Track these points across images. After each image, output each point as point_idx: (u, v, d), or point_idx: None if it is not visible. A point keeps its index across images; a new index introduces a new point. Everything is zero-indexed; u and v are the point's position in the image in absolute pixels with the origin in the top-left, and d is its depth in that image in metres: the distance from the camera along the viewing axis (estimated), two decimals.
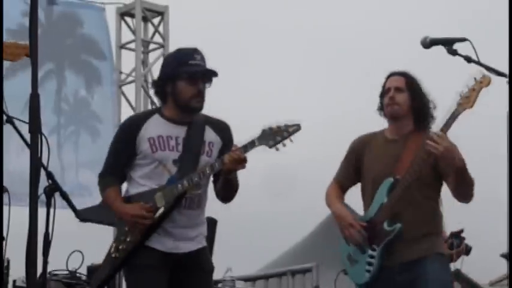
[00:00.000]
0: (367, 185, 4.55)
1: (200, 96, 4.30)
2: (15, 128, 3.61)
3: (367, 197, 4.54)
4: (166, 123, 4.33)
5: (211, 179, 4.36)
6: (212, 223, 6.51)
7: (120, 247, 4.25)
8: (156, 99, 9.18)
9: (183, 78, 4.27)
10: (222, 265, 6.59)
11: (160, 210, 4.20)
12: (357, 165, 4.60)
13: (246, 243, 14.43)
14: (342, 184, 4.65)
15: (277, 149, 4.13)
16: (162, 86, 4.36)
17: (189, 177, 4.19)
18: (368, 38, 18.01)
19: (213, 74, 4.32)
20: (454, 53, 4.09)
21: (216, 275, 6.64)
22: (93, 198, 6.03)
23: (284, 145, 4.12)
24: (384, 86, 4.58)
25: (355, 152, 4.62)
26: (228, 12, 18.12)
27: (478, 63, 4.01)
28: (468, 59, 4.05)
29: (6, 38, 10.25)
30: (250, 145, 4.13)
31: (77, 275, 5.93)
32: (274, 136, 4.11)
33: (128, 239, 4.23)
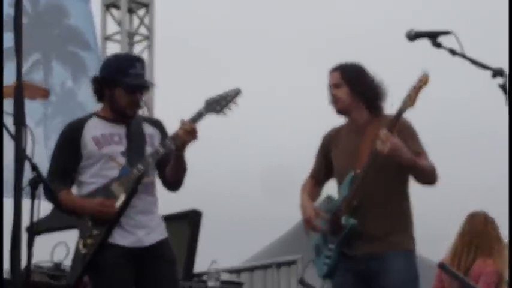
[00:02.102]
0: (336, 178, 4.59)
1: (136, 105, 4.42)
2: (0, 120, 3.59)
3: (338, 190, 4.58)
4: (106, 123, 4.43)
5: (156, 172, 4.45)
6: (197, 215, 6.52)
7: (88, 242, 4.27)
8: None
9: (122, 86, 4.36)
10: (207, 257, 6.59)
11: (122, 197, 4.25)
12: (327, 160, 4.63)
13: (231, 236, 14.45)
14: (316, 178, 4.70)
15: (224, 114, 4.30)
16: (100, 87, 4.45)
17: (143, 160, 4.29)
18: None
19: (152, 85, 4.51)
20: (438, 45, 4.10)
21: (201, 267, 6.66)
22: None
23: (230, 109, 4.31)
24: (327, 83, 4.63)
25: (324, 147, 4.67)
26: (214, 3, 18.09)
27: (463, 56, 4.02)
28: (453, 52, 4.06)
29: None
30: (199, 115, 4.28)
31: (62, 267, 5.91)
32: (219, 103, 4.30)
33: (94, 233, 4.26)
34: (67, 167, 4.40)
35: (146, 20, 10.59)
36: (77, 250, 4.31)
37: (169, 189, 4.50)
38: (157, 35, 10.49)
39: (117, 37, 10.60)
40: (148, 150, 4.38)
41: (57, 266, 5.84)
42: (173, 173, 4.38)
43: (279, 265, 9.00)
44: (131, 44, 10.65)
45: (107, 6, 10.56)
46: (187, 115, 4.30)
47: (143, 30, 10.61)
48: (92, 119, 4.45)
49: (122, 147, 4.37)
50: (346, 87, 4.53)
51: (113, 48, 10.64)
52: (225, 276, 6.60)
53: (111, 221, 4.25)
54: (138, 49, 10.68)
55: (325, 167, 4.64)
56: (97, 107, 10.98)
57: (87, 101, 10.72)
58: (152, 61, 10.67)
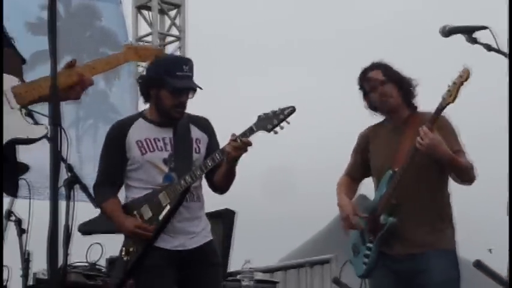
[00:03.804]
0: (373, 177, 4.56)
1: (181, 107, 4.38)
2: (36, 121, 3.62)
3: (375, 189, 4.55)
4: (151, 126, 4.40)
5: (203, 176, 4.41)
6: (231, 214, 6.52)
7: (131, 249, 4.29)
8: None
9: (168, 88, 4.33)
10: (240, 257, 6.60)
11: (167, 208, 4.24)
12: (364, 158, 4.60)
13: (265, 235, 14.45)
14: (351, 176, 4.66)
15: (275, 132, 4.22)
16: (146, 88, 4.42)
17: (191, 172, 4.26)
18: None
19: (199, 88, 4.40)
20: (474, 41, 4.05)
21: (235, 267, 6.67)
22: None
23: (282, 128, 4.21)
24: (362, 86, 4.57)
25: (361, 145, 4.63)
26: (245, 3, 18.10)
27: (499, 51, 3.97)
28: (488, 48, 4.01)
29: (25, 31, 10.28)
30: (249, 131, 4.22)
31: (97, 267, 5.95)
32: (271, 120, 4.20)
33: (138, 240, 4.27)
34: (114, 168, 4.38)
35: (177, 21, 10.62)
36: (120, 255, 4.34)
37: (215, 192, 4.47)
38: (189, 35, 10.53)
39: (149, 38, 10.65)
40: (195, 156, 4.35)
41: (93, 266, 5.88)
42: (222, 180, 4.36)
43: (312, 264, 8.99)
44: (163, 45, 10.69)
45: (139, 8, 10.61)
46: (239, 130, 4.24)
47: (174, 31, 10.65)
48: (138, 121, 4.42)
49: (165, 154, 4.34)
50: (391, 84, 4.48)
51: None
52: (258, 276, 6.59)
53: (149, 239, 4.26)
54: (169, 50, 10.72)
55: (361, 165, 4.61)
56: (129, 109, 10.98)
57: (119, 102, 10.82)
58: None
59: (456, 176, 4.39)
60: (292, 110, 4.21)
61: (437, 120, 4.30)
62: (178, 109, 4.36)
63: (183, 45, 10.55)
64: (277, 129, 4.20)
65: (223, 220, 6.43)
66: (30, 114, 3.67)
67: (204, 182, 4.46)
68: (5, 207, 5.44)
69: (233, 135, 4.22)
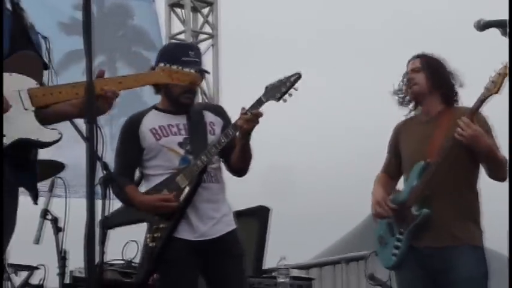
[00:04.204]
0: (404, 169, 4.53)
1: (190, 92, 4.40)
2: (71, 120, 3.64)
3: (404, 181, 4.52)
4: (164, 115, 4.44)
5: (221, 159, 4.44)
6: (265, 211, 6.51)
7: (156, 235, 4.29)
8: (206, 88, 9.18)
9: None
10: (276, 253, 6.59)
11: (186, 190, 4.25)
12: (397, 152, 4.58)
13: (300, 232, 14.44)
14: (388, 173, 4.64)
15: (284, 101, 4.24)
16: None
17: (206, 151, 4.27)
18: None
19: (205, 72, 4.44)
20: (507, 34, 4.01)
21: (271, 264, 6.66)
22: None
23: (290, 95, 4.24)
24: (404, 74, 4.58)
25: (394, 140, 4.62)
26: (279, 2, 18.09)
27: None
28: None
29: (58, 31, 10.35)
30: (258, 103, 4.23)
31: (133, 264, 5.98)
32: (278, 89, 4.22)
33: (161, 226, 4.28)
34: (130, 161, 4.43)
35: (210, 19, 10.63)
36: (145, 244, 4.35)
37: (234, 175, 4.48)
38: (222, 33, 10.54)
39: (182, 36, 10.66)
40: (210, 138, 4.37)
41: (129, 263, 5.91)
42: (239, 160, 4.36)
43: (348, 261, 8.96)
44: (196, 43, 10.71)
45: (172, 6, 10.63)
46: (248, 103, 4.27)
47: (207, 28, 10.66)
48: (152, 112, 4.47)
49: (180, 138, 4.36)
50: (424, 73, 4.47)
51: None
52: (294, 273, 6.57)
53: (175, 214, 4.27)
54: (202, 47, 10.74)
55: (396, 160, 4.59)
56: None
57: (152, 100, 10.81)
58: (217, 59, 10.71)
59: (492, 172, 4.36)
60: (298, 76, 4.24)
61: (478, 110, 4.26)
62: (187, 95, 4.38)
63: (216, 42, 10.56)
64: (286, 97, 4.23)
65: (258, 217, 6.43)
66: None
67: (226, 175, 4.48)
68: (41, 206, 5.50)
69: (243, 108, 4.25)
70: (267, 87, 4.25)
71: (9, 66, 3.29)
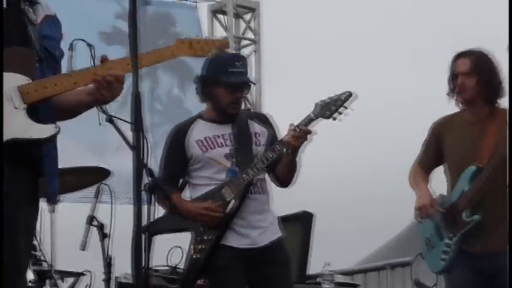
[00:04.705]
0: (449, 169, 4.50)
1: (237, 103, 4.42)
2: (116, 127, 3.65)
3: (449, 182, 4.49)
4: (210, 125, 4.46)
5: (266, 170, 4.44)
6: (308, 217, 6.50)
7: (200, 247, 4.32)
8: (248, 95, 9.14)
9: (222, 85, 4.36)
10: (320, 259, 6.57)
11: (232, 203, 4.26)
12: (438, 148, 4.54)
13: (344, 237, 14.38)
14: (423, 167, 4.60)
15: (334, 119, 4.24)
16: (201, 87, 4.47)
17: (253, 165, 4.29)
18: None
19: (252, 83, 4.47)
20: None
21: (315, 270, 6.64)
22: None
23: (340, 113, 4.23)
24: (451, 69, 4.49)
25: (436, 135, 4.57)
26: (321, 5, 18.04)
27: None
28: None
29: (99, 40, 10.42)
30: (308, 120, 4.25)
31: (177, 270, 6.00)
32: (329, 107, 4.23)
33: (206, 238, 4.31)
34: (175, 171, 4.46)
35: (252, 24, 10.65)
36: (190, 255, 4.38)
37: (278, 186, 4.51)
38: (264, 38, 10.56)
39: None
40: (256, 149, 4.39)
41: (174, 269, 5.93)
42: (284, 173, 4.39)
43: (393, 266, 8.91)
44: (238, 49, 10.72)
45: (214, 12, 10.66)
46: (297, 119, 4.28)
47: (250, 34, 10.68)
48: (197, 122, 4.49)
49: (226, 149, 4.39)
50: (475, 77, 4.40)
51: None
52: (338, 279, 6.55)
53: (220, 225, 4.28)
54: (245, 53, 10.75)
55: (434, 156, 4.56)
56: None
57: (195, 107, 10.87)
58: (259, 65, 10.72)
59: None
60: (349, 94, 4.23)
61: None
62: (234, 105, 4.41)
63: (259, 48, 10.57)
64: (336, 115, 4.22)
65: (301, 223, 6.41)
66: (110, 120, 3.70)
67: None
68: (88, 213, 5.55)
69: (291, 125, 4.26)
70: (316, 104, 4.26)
71: None
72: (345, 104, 4.23)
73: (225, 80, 4.35)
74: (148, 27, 10.57)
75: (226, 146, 4.39)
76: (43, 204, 5.43)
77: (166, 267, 5.90)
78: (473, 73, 4.40)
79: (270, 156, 4.28)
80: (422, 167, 4.61)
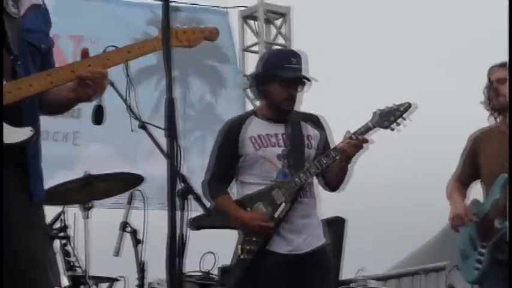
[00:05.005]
0: (483, 180, 4.46)
1: (291, 100, 4.38)
2: (149, 134, 3.66)
3: (484, 193, 4.46)
4: (264, 123, 4.41)
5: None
6: (341, 222, 6.48)
7: (247, 248, 4.31)
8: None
9: (277, 81, 4.31)
10: (353, 265, 6.55)
11: (282, 206, 4.24)
12: (474, 161, 4.51)
13: (377, 243, 14.32)
14: (460, 180, 4.59)
15: (392, 129, 4.21)
16: (256, 84, 4.43)
17: (306, 170, 4.26)
18: None
19: (307, 79, 4.38)
20: None
21: (348, 275, 6.62)
22: None
23: (398, 124, 4.19)
24: (488, 77, 4.48)
25: (472, 148, 4.55)
26: (351, 10, 18.01)
27: None
28: None
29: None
30: (365, 128, 4.22)
31: (210, 276, 6.01)
32: (388, 117, 4.19)
33: (254, 239, 4.29)
34: (226, 167, 4.43)
35: (283, 30, 10.65)
36: (237, 255, 4.37)
37: (327, 190, 4.49)
38: (295, 44, 10.54)
39: (256, 48, 10.69)
40: (308, 152, 4.37)
41: (206, 275, 5.94)
42: (335, 179, 4.38)
43: (426, 272, 8.86)
44: None
45: (245, 18, 10.67)
46: (355, 127, 4.26)
47: (280, 39, 10.68)
48: (251, 118, 4.45)
49: (278, 150, 4.35)
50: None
51: (252, 59, 10.74)
52: (372, 284, 6.52)
53: (268, 234, 4.28)
54: None
55: (470, 169, 4.54)
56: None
57: (226, 113, 10.90)
58: None
59: None
60: (408, 106, 4.19)
61: None
62: (288, 102, 4.36)
63: None
64: (394, 125, 4.18)
65: (334, 228, 6.39)
66: (143, 126, 3.71)
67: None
68: (121, 219, 5.58)
69: (348, 132, 4.22)
70: (374, 113, 4.23)
71: None
72: (404, 115, 4.19)
73: (280, 75, 4.31)
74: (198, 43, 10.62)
75: (279, 146, 4.36)
76: (77, 211, 5.52)
77: (199, 273, 5.92)
78: (507, 80, 4.39)
79: (324, 162, 4.26)
80: (459, 180, 4.60)
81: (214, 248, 6.06)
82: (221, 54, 10.61)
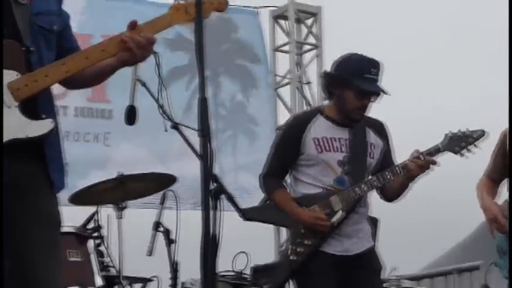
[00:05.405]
0: None
1: (363, 110, 4.33)
2: (182, 134, 3.66)
3: None
4: (330, 125, 4.36)
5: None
6: (374, 222, 6.44)
7: (298, 250, 4.29)
8: (310, 99, 9.10)
9: (353, 89, 4.27)
10: (386, 264, 6.51)
11: (339, 214, 4.23)
12: (505, 158, 4.46)
13: (410, 242, 14.25)
14: (492, 178, 4.55)
15: (462, 155, 4.17)
16: (330, 84, 4.38)
17: (368, 181, 4.25)
18: None
19: (384, 93, 4.32)
20: None
21: (381, 275, 6.57)
22: (252, 199, 6.12)
23: (469, 151, 4.15)
24: None
25: (503, 144, 4.50)
26: (384, 10, 17.91)
27: None
28: None
29: (164, 47, 10.50)
30: (435, 150, 4.18)
31: (243, 275, 6.01)
32: (459, 142, 4.15)
33: (306, 242, 4.28)
34: (285, 163, 4.40)
35: (314, 29, 10.62)
36: (286, 255, 4.35)
37: (383, 199, 4.47)
38: (326, 43, 10.51)
39: (286, 48, 10.68)
40: (369, 161, 4.33)
41: (239, 275, 5.95)
42: (395, 193, 4.37)
43: (460, 271, 8.79)
44: (300, 54, 10.71)
45: (276, 18, 10.66)
46: (423, 147, 4.23)
47: (311, 39, 10.65)
48: (317, 118, 4.39)
49: (340, 156, 4.31)
50: None
51: (283, 59, 10.74)
52: (405, 284, 6.48)
53: (323, 233, 4.26)
54: (307, 58, 10.73)
55: (502, 166, 4.50)
56: (267, 119, 11.04)
57: (258, 113, 10.91)
58: (321, 70, 10.67)
59: None
60: (482, 133, 4.16)
61: None
62: (359, 111, 4.31)
63: (320, 53, 10.53)
64: (464, 151, 4.15)
65: None
66: (175, 126, 3.72)
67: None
68: (154, 219, 5.59)
69: (416, 151, 4.18)
70: (446, 135, 4.20)
71: None
72: (476, 143, 4.16)
73: (358, 85, 4.25)
74: (210, 33, 10.63)
75: (341, 152, 4.31)
76: (110, 211, 5.55)
77: (232, 273, 5.92)
78: None
79: (388, 177, 4.23)
80: (490, 177, 4.56)
81: (246, 248, 6.07)
82: (252, 54, 10.62)
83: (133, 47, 3.11)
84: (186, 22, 3.30)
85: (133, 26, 3.15)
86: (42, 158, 3.05)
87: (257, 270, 6.46)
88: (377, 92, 4.30)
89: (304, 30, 10.70)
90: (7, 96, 2.95)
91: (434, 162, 4.16)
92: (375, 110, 4.40)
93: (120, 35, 3.14)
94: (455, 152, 4.15)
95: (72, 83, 3.21)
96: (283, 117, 9.99)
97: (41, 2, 3.11)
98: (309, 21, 10.66)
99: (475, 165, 4.71)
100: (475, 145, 4.14)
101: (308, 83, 10.55)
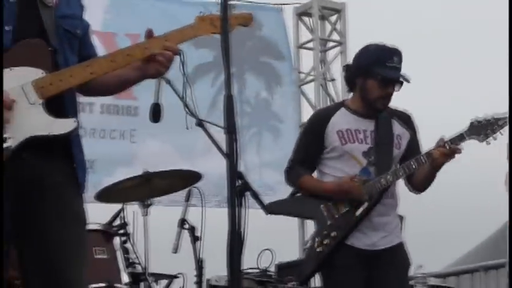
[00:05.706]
0: None
1: (387, 98, 4.30)
2: (207, 131, 3.67)
3: None
4: (353, 117, 4.34)
5: None
6: (399, 219, 6.42)
7: (325, 242, 4.28)
8: (335, 96, 9.08)
9: (375, 78, 4.24)
10: (412, 262, 6.49)
11: (365, 204, 4.21)
12: None
13: (436, 240, 14.18)
14: None
15: (488, 143, 4.12)
16: (353, 76, 4.36)
17: (394, 171, 4.22)
18: None
19: (407, 81, 4.30)
20: None
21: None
22: (276, 196, 6.13)
23: (495, 139, 4.11)
24: None
25: None
26: (407, 5, 17.83)
27: None
28: None
29: (188, 44, 10.54)
30: (460, 138, 4.14)
31: (267, 273, 6.01)
32: (484, 129, 4.11)
33: (332, 234, 4.27)
34: (309, 155, 4.40)
35: (338, 26, 10.59)
36: (312, 247, 4.35)
37: (412, 191, 4.45)
38: (350, 40, 10.48)
39: (310, 45, 10.66)
40: (395, 152, 4.31)
41: (263, 272, 5.95)
42: (422, 183, 4.34)
43: (487, 269, 8.74)
44: (324, 51, 10.68)
45: (300, 15, 10.64)
46: (448, 134, 4.20)
47: (335, 36, 10.62)
48: (341, 110, 4.39)
49: (365, 147, 4.30)
50: None
51: (307, 56, 10.71)
52: (431, 281, 6.45)
53: (349, 225, 4.24)
54: (331, 55, 10.70)
55: None
56: (291, 117, 11.02)
57: (282, 110, 10.91)
58: None
59: None
60: (507, 120, 4.10)
61: None
62: (383, 100, 4.29)
63: (345, 50, 10.50)
64: (490, 139, 4.11)
65: None
66: (200, 124, 3.72)
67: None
68: (179, 215, 5.61)
69: (441, 140, 4.15)
70: (472, 123, 4.15)
71: (9, 59, 2.96)
72: (501, 131, 4.13)
73: (381, 73, 4.24)
74: (234, 31, 10.65)
75: (366, 143, 4.30)
76: (136, 208, 5.57)
77: (257, 270, 5.92)
78: None
79: (413, 167, 4.21)
80: None
81: (270, 245, 6.06)
82: (276, 51, 10.60)
83: (163, 62, 3.16)
84: (211, 33, 3.37)
85: (150, 34, 3.18)
86: (68, 156, 3.06)
87: (282, 268, 6.47)
88: (400, 81, 4.27)
89: (328, 27, 10.67)
90: (32, 93, 2.98)
91: (459, 151, 4.13)
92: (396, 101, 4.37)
93: (147, 42, 3.17)
94: (481, 140, 4.12)
95: (91, 90, 3.22)
96: (307, 114, 9.96)
97: (66, 6, 3.14)
98: (333, 18, 10.63)
99: (501, 162, 4.68)
100: (500, 133, 4.10)
101: (332, 80, 10.53)
